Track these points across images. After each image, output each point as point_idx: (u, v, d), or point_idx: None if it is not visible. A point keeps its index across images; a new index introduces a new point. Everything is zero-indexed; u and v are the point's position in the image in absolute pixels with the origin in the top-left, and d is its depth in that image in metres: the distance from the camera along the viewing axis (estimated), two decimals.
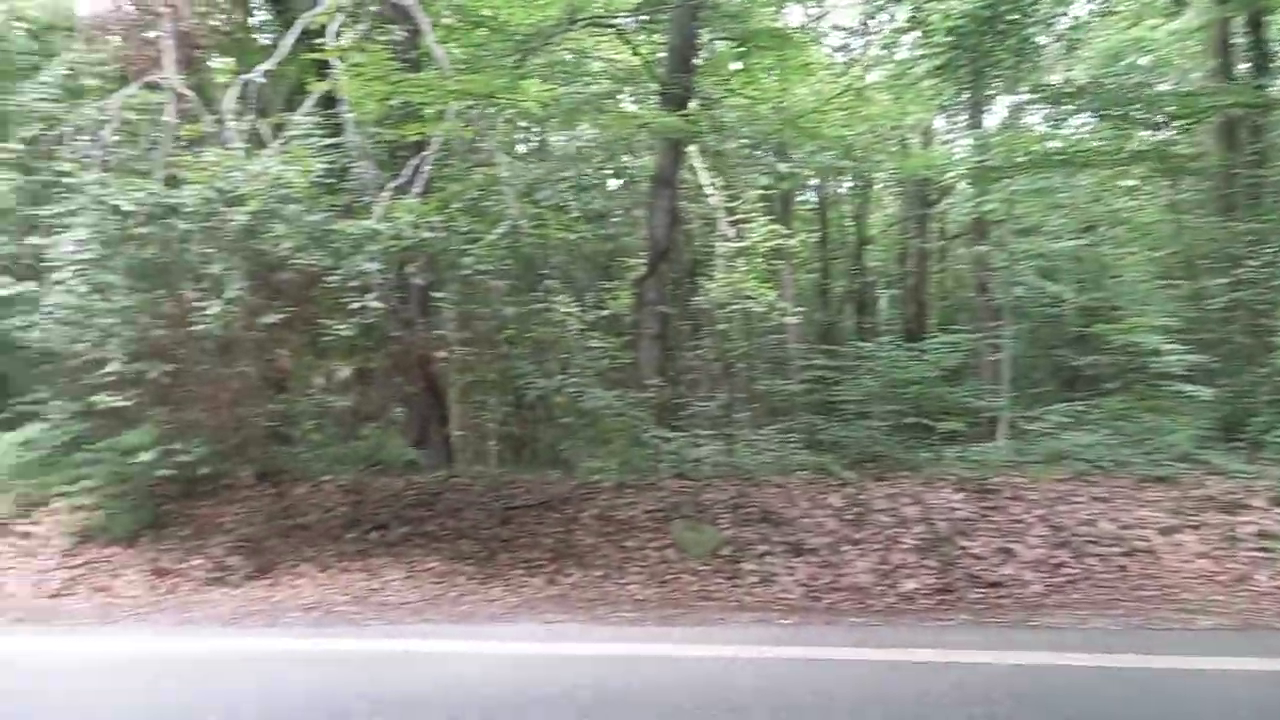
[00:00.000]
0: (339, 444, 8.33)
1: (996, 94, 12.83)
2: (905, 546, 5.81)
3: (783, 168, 13.79)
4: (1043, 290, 13.38)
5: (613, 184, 13.21)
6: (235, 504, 7.32)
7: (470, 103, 5.56)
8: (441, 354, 6.33)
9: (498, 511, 6.89)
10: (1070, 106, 11.39)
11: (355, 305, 5.26)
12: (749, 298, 11.83)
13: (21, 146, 6.70)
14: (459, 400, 8.71)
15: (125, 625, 4.88)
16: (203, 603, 5.47)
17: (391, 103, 5.57)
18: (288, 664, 4.11)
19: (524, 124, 12.26)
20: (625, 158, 12.55)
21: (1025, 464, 7.35)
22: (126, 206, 5.49)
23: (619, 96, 12.76)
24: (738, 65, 11.58)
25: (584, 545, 6.34)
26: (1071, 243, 13.72)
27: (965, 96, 12.93)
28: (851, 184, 18.38)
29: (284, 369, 5.99)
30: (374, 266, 5.38)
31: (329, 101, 6.61)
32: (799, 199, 17.67)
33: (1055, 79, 12.87)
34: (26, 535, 6.88)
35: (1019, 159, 10.91)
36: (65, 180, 5.64)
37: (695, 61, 8.96)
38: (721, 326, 12.81)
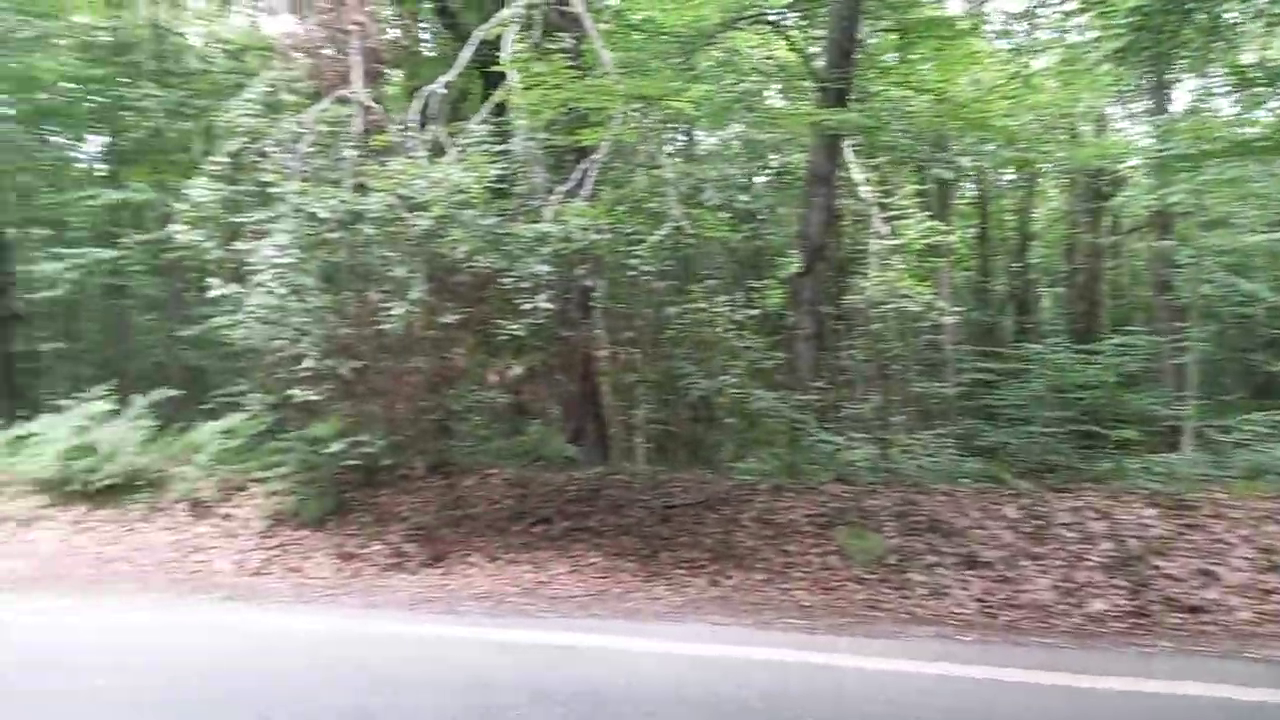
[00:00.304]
0: (502, 438, 8.63)
1: (1182, 77, 11.87)
2: (1091, 564, 5.43)
3: (943, 161, 13.22)
4: (1234, 288, 12.26)
5: (756, 181, 13.07)
6: (410, 494, 7.69)
7: (638, 106, 5.60)
8: (601, 353, 6.40)
9: (657, 510, 6.93)
10: (1270, 89, 10.38)
11: (527, 306, 5.39)
12: (904, 296, 11.42)
13: (227, 159, 7.25)
14: (612, 398, 8.82)
15: (319, 605, 5.20)
16: (385, 587, 5.75)
17: (563, 109, 5.68)
18: (473, 651, 4.28)
19: (673, 124, 12.29)
20: (772, 155, 12.39)
21: (1222, 478, 6.75)
22: (322, 214, 5.84)
23: (766, 93, 12.61)
24: (897, 57, 11.21)
25: (744, 548, 6.27)
26: (1267, 236, 12.53)
27: (1147, 80, 12.02)
28: (1014, 176, 17.47)
29: (458, 367, 6.22)
30: (545, 268, 5.49)
31: (497, 108, 6.85)
32: (958, 193, 16.93)
33: (1249, 59, 11.77)
34: (228, 517, 7.46)
35: (1207, 146, 10.04)
36: (269, 190, 6.05)
37: (854, 55, 8.70)
38: (875, 326, 12.43)
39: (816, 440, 6.40)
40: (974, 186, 17.53)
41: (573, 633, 4.56)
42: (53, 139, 18.49)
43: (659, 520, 6.81)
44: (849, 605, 5.30)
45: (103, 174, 17.75)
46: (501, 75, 7.83)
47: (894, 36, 9.99)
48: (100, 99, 13.09)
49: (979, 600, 5.36)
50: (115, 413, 8.22)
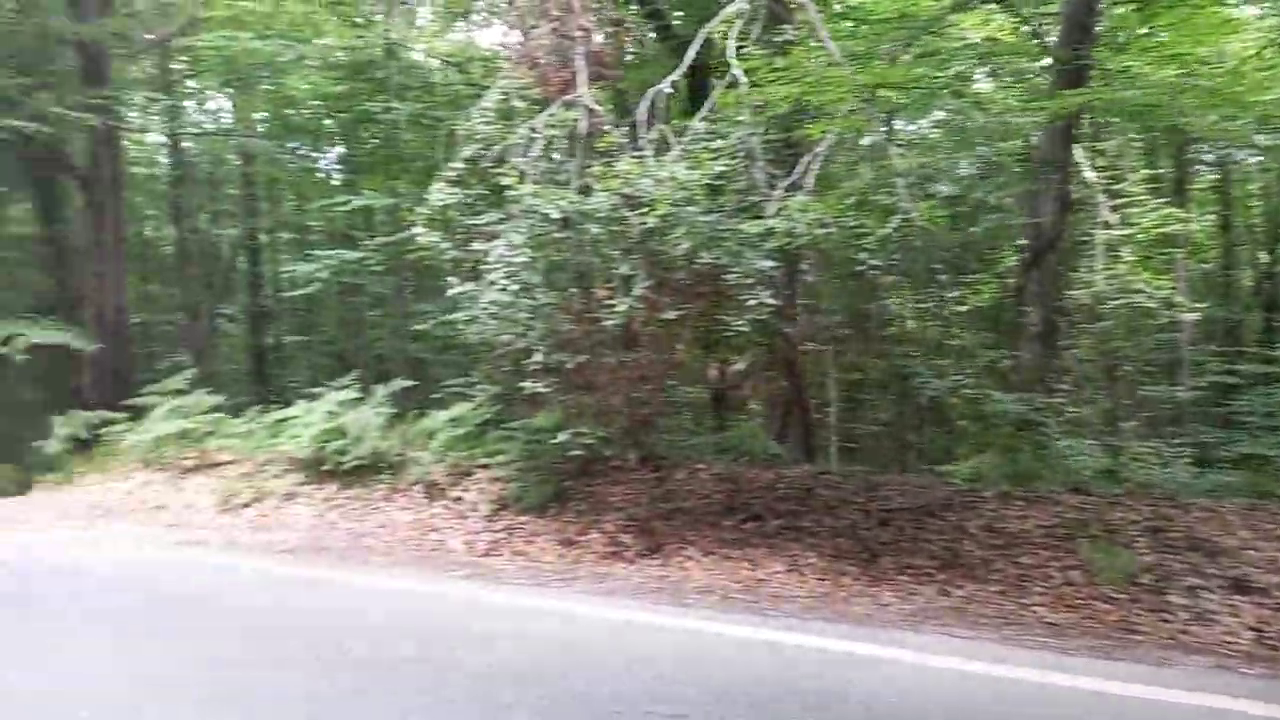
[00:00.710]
0: (709, 433, 8.65)
1: None
2: None
3: (1203, 142, 11.93)
4: None
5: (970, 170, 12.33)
6: (622, 485, 7.86)
7: (866, 96, 5.39)
8: (816, 350, 6.23)
9: (875, 513, 6.68)
10: None
11: (751, 301, 5.33)
12: (1137, 291, 10.40)
13: (462, 165, 7.68)
14: (825, 396, 8.60)
15: (553, 589, 5.37)
16: (608, 575, 5.87)
17: (793, 102, 5.57)
18: (712, 645, 4.28)
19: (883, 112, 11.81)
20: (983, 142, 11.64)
21: None
22: (553, 214, 6.04)
23: (977, 76, 11.86)
24: (1132, 33, 10.21)
25: (973, 557, 5.91)
26: None
27: None
28: (1263, 157, 15.51)
29: (676, 362, 6.27)
30: (768, 264, 5.41)
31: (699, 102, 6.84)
32: (1196, 177, 15.27)
33: None
34: (458, 500, 7.92)
35: None
36: (506, 192, 6.34)
37: (1094, 30, 8.00)
38: (1102, 324, 11.43)
39: (1055, 446, 5.93)
40: (1215, 169, 15.74)
41: (809, 635, 4.45)
42: (297, 152, 20.55)
43: (877, 524, 6.56)
44: (1100, 626, 4.86)
45: (340, 182, 19.51)
46: (708, 71, 7.80)
47: (1137, 7, 9.08)
48: (340, 114, 14.38)
49: (1254, 630, 4.76)
50: (360, 400, 8.96)
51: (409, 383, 9.06)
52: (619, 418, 6.76)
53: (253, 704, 3.30)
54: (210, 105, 20.53)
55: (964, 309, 8.09)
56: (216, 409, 10.41)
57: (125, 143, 15.49)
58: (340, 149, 20.54)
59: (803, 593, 5.48)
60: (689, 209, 5.82)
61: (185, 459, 9.51)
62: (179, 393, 10.59)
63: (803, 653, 4.26)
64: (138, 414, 10.33)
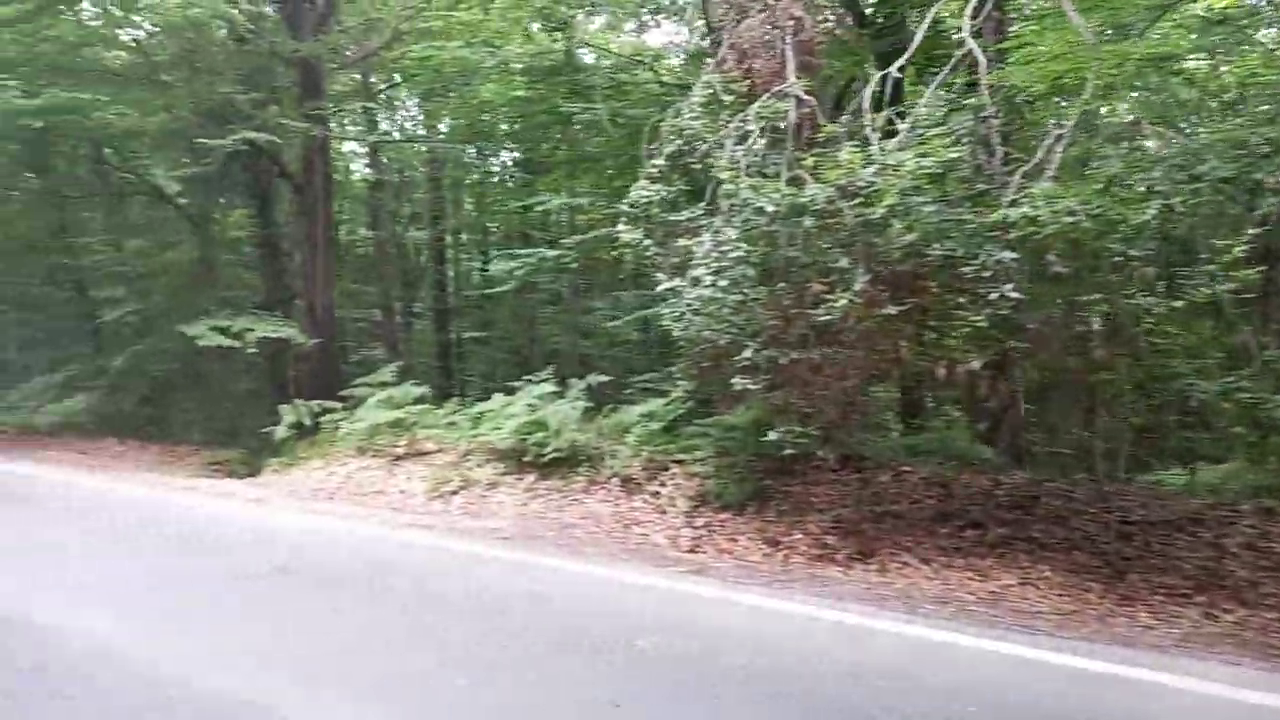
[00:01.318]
0: (915, 434, 8.25)
1: None
2: None
3: None
4: None
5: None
6: (822, 485, 7.63)
7: (1121, 73, 4.92)
8: (1055, 347, 5.76)
9: (1113, 525, 6.14)
10: None
11: (993, 295, 4.98)
12: None
13: (663, 161, 7.66)
14: (1037, 397, 8.02)
15: (773, 589, 5.22)
16: (824, 578, 5.67)
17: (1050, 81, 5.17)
18: (950, 656, 4.03)
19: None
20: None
21: None
22: (770, 208, 5.90)
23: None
24: None
25: (1238, 578, 5.32)
26: None
27: None
28: None
29: (897, 359, 5.97)
30: (1010, 255, 5.03)
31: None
32: None
33: None
34: (656, 495, 7.92)
35: None
36: (723, 187, 6.26)
37: None
38: None
39: None
40: None
41: (1063, 654, 4.10)
42: (484, 155, 21.47)
43: (1116, 537, 6.02)
44: None
45: (518, 184, 20.21)
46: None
47: None
48: (530, 117, 14.85)
49: None
50: (557, 395, 9.16)
51: (603, 378, 9.15)
52: (825, 416, 6.52)
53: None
54: (400, 114, 21.89)
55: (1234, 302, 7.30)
56: (420, 400, 10.95)
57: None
58: (514, 153, 21.40)
59: (1046, 608, 5.08)
60: (916, 199, 5.52)
61: (395, 447, 10.02)
62: (387, 384, 11.21)
63: (1051, 670, 3.94)
64: (351, 404, 11.01)
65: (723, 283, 6.35)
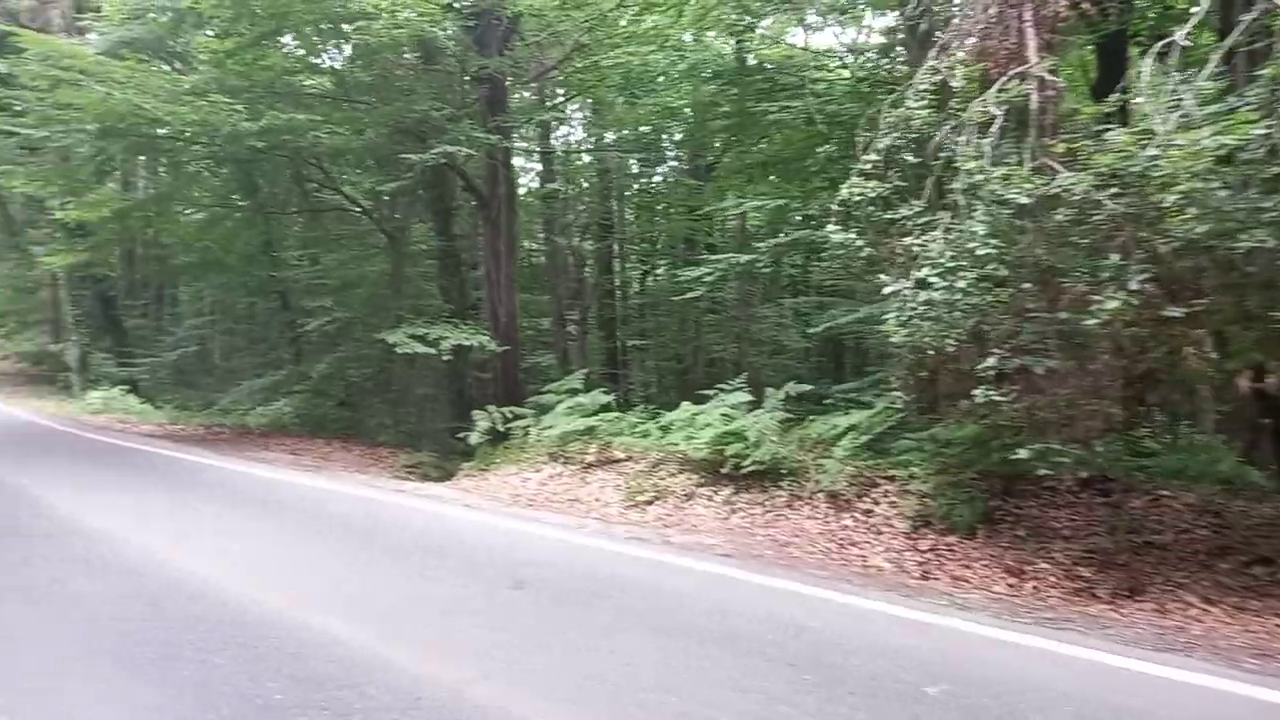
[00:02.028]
0: (1175, 453, 7.29)
1: None
2: None
3: None
4: None
5: None
6: (1063, 509, 6.82)
7: None
8: None
9: None
10: None
11: None
12: None
13: (877, 156, 7.10)
14: None
15: (1048, 628, 4.58)
16: (1101, 618, 4.95)
17: None
18: None
19: None
20: None
21: None
22: (1023, 200, 5.25)
23: None
24: None
25: None
26: None
27: None
28: None
29: (1185, 367, 5.17)
30: None
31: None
32: None
33: None
34: (868, 513, 7.34)
35: None
36: (961, 179, 5.67)
37: None
38: None
39: None
40: None
41: None
42: (639, 164, 21.46)
43: None
44: None
45: (687, 190, 19.99)
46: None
47: None
48: (699, 122, 14.59)
49: None
50: (753, 404, 8.74)
51: (804, 386, 8.65)
52: (1082, 431, 5.76)
53: None
54: (567, 127, 22.22)
55: None
56: (606, 408, 10.82)
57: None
58: (675, 161, 21.25)
59: None
60: (1207, 183, 4.74)
61: (586, 454, 9.90)
62: (575, 391, 11.16)
63: None
64: (539, 410, 11.03)
65: (960, 284, 5.74)
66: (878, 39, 13.95)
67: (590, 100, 17.08)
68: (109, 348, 23.23)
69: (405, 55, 14.11)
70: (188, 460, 10.88)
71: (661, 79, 12.20)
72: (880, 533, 7.05)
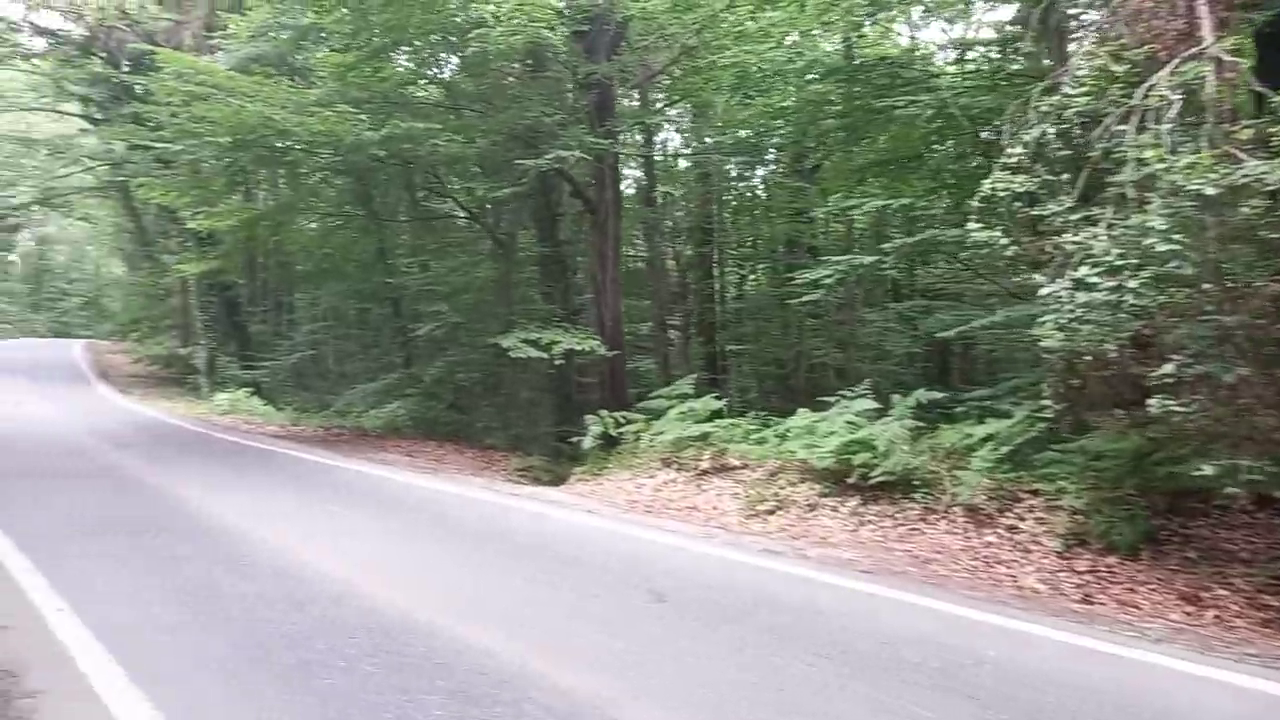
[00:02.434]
0: None
1: None
2: None
3: None
4: None
5: None
6: (1239, 529, 6.20)
7: None
8: None
9: None
10: None
11: None
12: None
13: (1022, 150, 6.62)
14: None
15: (1254, 662, 4.07)
16: None
17: None
18: None
19: None
20: None
21: None
22: (1209, 190, 4.74)
23: None
24: None
25: None
26: None
27: None
28: None
29: None
30: None
31: None
32: None
33: None
34: (1013, 529, 6.85)
35: None
36: (1141, 170, 5.18)
37: None
38: None
39: None
40: None
41: None
42: (738, 166, 21.11)
43: None
44: None
45: (790, 192, 19.56)
46: None
47: None
48: (791, 123, 14.18)
49: None
50: (881, 411, 8.32)
51: (935, 394, 8.19)
52: (1269, 446, 5.17)
53: None
54: (665, 131, 22.06)
55: None
56: (718, 414, 10.56)
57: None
58: (774, 165, 20.81)
59: None
60: None
61: (700, 461, 9.66)
62: (685, 396, 10.94)
63: None
64: (650, 415, 10.84)
65: (1131, 284, 5.24)
66: (987, 33, 13.34)
67: (691, 104, 16.84)
68: (233, 352, 24.28)
69: (513, 64, 14.23)
70: (312, 460, 11.13)
71: (776, 77, 11.87)
72: (1029, 551, 6.56)
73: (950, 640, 4.29)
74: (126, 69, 22.02)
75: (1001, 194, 6.62)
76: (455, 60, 14.53)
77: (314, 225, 18.81)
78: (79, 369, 29.10)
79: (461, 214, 17.55)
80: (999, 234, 6.66)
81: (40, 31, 24.87)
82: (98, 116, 26.67)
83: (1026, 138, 6.65)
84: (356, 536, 6.67)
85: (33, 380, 24.53)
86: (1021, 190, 6.55)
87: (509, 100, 12.15)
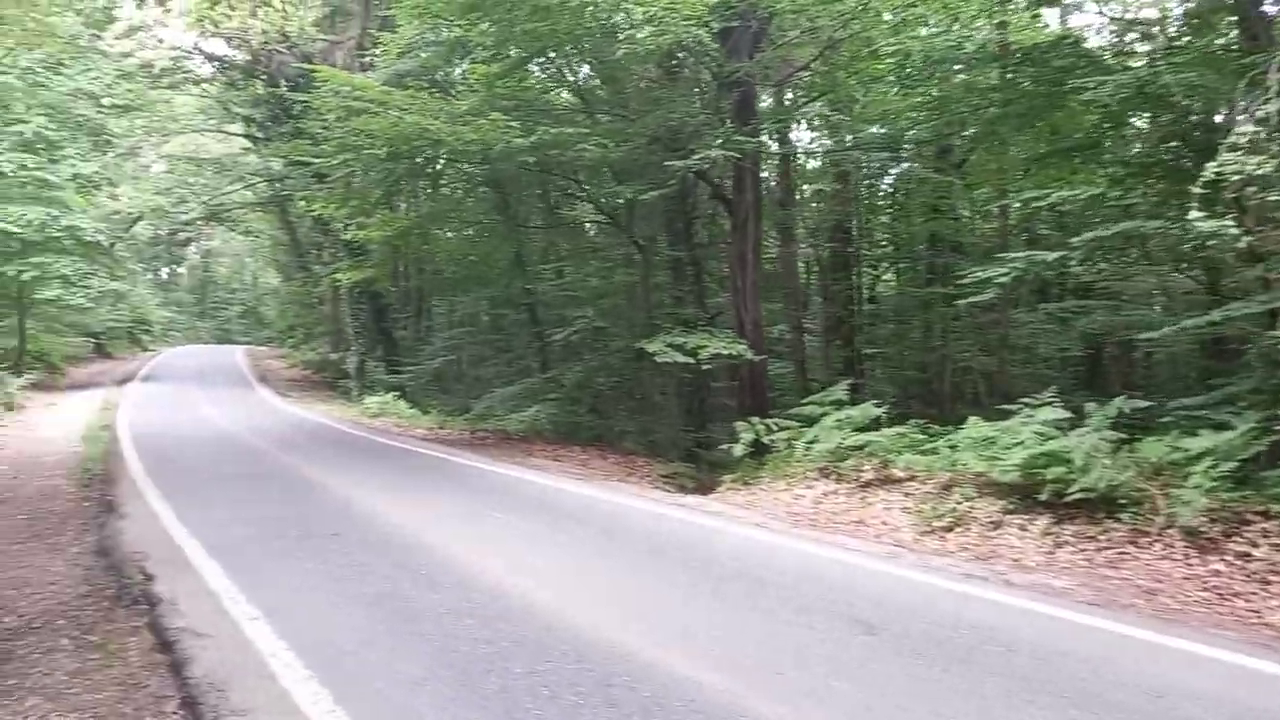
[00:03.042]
0: None
1: None
2: None
3: None
4: None
5: None
6: None
7: None
8: None
9: None
10: None
11: None
12: None
13: (1254, 128, 5.79)
14: None
15: None
16: None
17: None
18: None
19: None
20: None
21: None
22: None
23: None
24: None
25: None
26: None
27: None
28: None
29: None
30: None
31: None
32: None
33: None
34: (1245, 557, 6.00)
35: None
36: None
37: None
38: None
39: None
40: None
41: None
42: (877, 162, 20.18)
43: None
44: None
45: (934, 187, 18.56)
46: None
47: None
48: (949, 113, 13.29)
49: None
50: (1075, 421, 7.54)
51: (1143, 402, 7.35)
52: None
53: None
54: (797, 131, 21.38)
55: None
56: (878, 421, 9.95)
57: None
58: (908, 163, 19.76)
59: None
60: None
61: (862, 471, 9.09)
62: (840, 403, 10.37)
63: None
64: (804, 422, 10.33)
65: None
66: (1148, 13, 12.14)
67: (830, 99, 16.19)
68: (380, 356, 25.19)
69: (651, 67, 14.01)
70: (466, 464, 11.19)
71: (943, 64, 11.13)
72: (1267, 583, 5.70)
73: (1239, 695, 3.63)
74: (286, 88, 23.24)
75: (1232, 177, 5.81)
76: (587, 67, 14.48)
77: (450, 235, 19.22)
78: (242, 373, 31.00)
79: (596, 219, 17.48)
80: (1229, 223, 5.85)
81: (209, 58, 26.67)
82: (258, 135, 28.35)
83: (1261, 113, 5.83)
84: (532, 546, 6.48)
85: (202, 385, 26.23)
86: (1256, 173, 5.73)
87: (652, 103, 11.90)
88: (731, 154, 11.02)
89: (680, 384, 18.73)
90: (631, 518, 7.87)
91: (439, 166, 14.57)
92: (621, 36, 10.31)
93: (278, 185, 29.89)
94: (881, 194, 22.23)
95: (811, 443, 9.92)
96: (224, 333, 59.44)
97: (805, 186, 22.67)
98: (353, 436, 15.08)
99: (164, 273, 62.65)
